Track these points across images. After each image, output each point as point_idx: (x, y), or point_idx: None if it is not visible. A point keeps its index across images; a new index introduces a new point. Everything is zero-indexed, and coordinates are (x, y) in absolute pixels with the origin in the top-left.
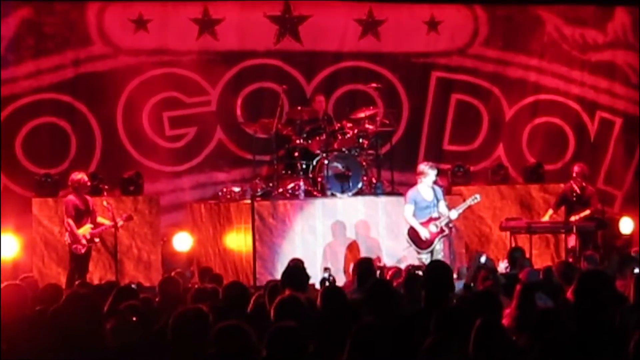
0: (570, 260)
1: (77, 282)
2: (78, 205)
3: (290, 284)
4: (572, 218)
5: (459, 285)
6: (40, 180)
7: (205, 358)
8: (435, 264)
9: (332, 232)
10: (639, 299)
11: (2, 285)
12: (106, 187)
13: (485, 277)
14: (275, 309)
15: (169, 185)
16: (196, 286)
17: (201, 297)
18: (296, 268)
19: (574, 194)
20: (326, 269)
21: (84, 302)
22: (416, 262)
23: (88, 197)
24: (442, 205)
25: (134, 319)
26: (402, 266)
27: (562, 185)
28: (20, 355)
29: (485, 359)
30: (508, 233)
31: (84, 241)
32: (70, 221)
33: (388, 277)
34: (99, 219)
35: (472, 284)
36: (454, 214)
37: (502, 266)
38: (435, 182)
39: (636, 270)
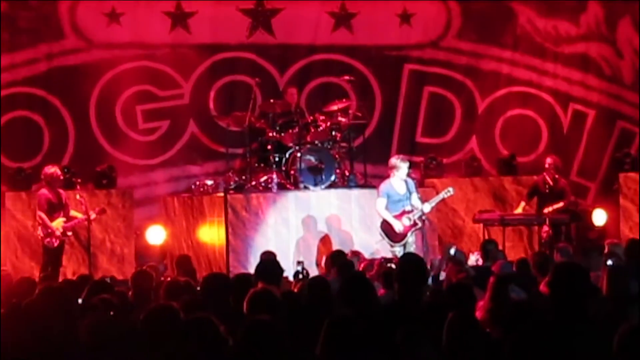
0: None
1: (41, 275)
2: (51, 199)
3: (264, 278)
4: (546, 210)
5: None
6: (13, 174)
7: (175, 352)
8: (408, 257)
9: (305, 225)
10: (614, 291)
11: None
12: (79, 180)
13: (459, 270)
14: (249, 302)
15: (142, 178)
16: (169, 279)
17: (175, 290)
18: (269, 261)
19: (547, 186)
20: (299, 262)
21: (57, 296)
22: (389, 255)
23: (61, 191)
24: (415, 198)
25: (110, 313)
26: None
27: (535, 177)
28: None
29: (459, 351)
30: (481, 225)
31: (57, 233)
32: (43, 215)
33: (360, 269)
34: (72, 213)
35: (438, 276)
36: (427, 207)
37: (473, 259)
38: (408, 175)
39: (609, 263)
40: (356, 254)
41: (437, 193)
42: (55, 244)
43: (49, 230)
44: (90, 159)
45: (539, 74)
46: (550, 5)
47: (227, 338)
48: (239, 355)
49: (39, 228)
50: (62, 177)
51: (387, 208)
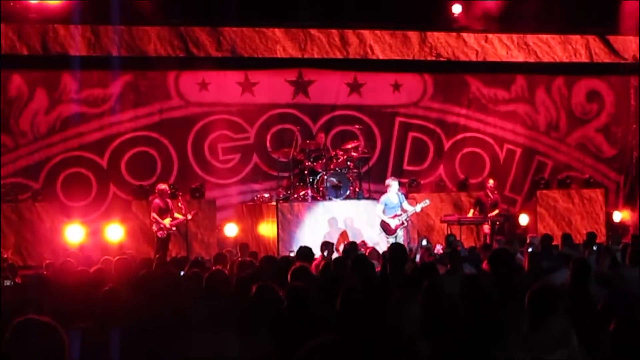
0: (487, 242)
1: (155, 257)
2: (161, 205)
3: (302, 259)
4: (489, 215)
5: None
6: (136, 189)
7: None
8: (395, 245)
9: (329, 224)
10: (532, 268)
11: (115, 259)
12: (180, 193)
13: (429, 254)
14: (291, 274)
15: (221, 192)
16: (239, 259)
17: (243, 266)
18: (305, 248)
19: (488, 199)
20: (326, 248)
21: (166, 269)
22: (386, 244)
23: (168, 200)
24: (406, 205)
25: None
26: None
27: (479, 193)
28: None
29: (430, 306)
30: (445, 225)
31: (165, 229)
32: (156, 216)
33: (367, 254)
34: (176, 215)
35: (415, 258)
36: (418, 208)
37: (439, 247)
38: (398, 190)
39: (529, 249)
40: (363, 243)
41: (417, 203)
42: (164, 236)
43: (160, 226)
44: (188, 179)
45: (484, 124)
46: (491, 78)
47: (283, 300)
48: (288, 310)
49: (153, 225)
50: (169, 191)
51: (384, 212)
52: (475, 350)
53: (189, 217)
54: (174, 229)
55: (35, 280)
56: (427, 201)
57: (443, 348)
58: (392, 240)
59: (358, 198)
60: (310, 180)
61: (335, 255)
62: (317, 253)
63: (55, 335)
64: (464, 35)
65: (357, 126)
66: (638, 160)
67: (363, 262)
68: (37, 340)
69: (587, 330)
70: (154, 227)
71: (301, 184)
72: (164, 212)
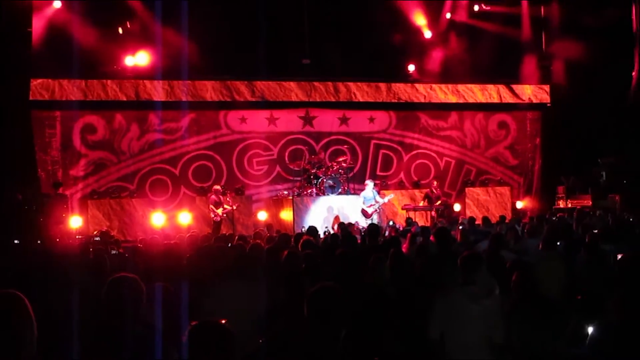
0: (434, 223)
1: (211, 234)
2: (215, 199)
3: (309, 234)
4: (435, 204)
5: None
6: (198, 189)
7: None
8: (372, 225)
9: (327, 211)
10: (463, 240)
11: (188, 235)
12: (228, 191)
13: (394, 231)
14: (301, 245)
15: (255, 191)
16: (268, 234)
17: (270, 240)
18: (312, 227)
19: (433, 193)
20: (325, 227)
21: (221, 242)
22: (365, 225)
23: (221, 196)
24: (378, 198)
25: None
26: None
27: (427, 189)
28: (193, 267)
29: (397, 268)
30: (405, 211)
31: (219, 215)
32: (213, 206)
33: (352, 230)
34: (225, 206)
35: (384, 234)
36: (386, 200)
37: (398, 226)
38: (374, 188)
39: (460, 227)
40: (351, 224)
41: (386, 196)
42: (218, 220)
43: (214, 214)
44: (234, 182)
45: (430, 144)
46: (435, 114)
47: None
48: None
49: (210, 213)
50: (221, 190)
51: (363, 203)
52: (424, 296)
53: (234, 207)
54: (224, 216)
55: (132, 250)
56: (392, 195)
57: (404, 293)
58: (369, 222)
59: (347, 194)
60: (315, 182)
61: (331, 231)
62: (320, 230)
63: (139, 286)
64: (417, 85)
65: (345, 146)
66: (532, 167)
67: (350, 237)
68: (126, 290)
69: (500, 282)
70: (211, 215)
71: (308, 185)
72: (217, 204)
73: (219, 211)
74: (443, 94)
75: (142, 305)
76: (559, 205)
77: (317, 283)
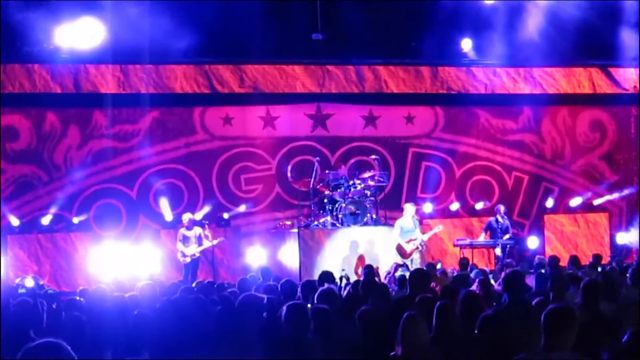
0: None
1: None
2: (185, 234)
3: (325, 281)
4: (501, 239)
5: None
6: (165, 218)
7: None
8: (417, 270)
9: (350, 248)
10: (538, 287)
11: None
12: (206, 222)
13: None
14: (318, 297)
15: (246, 220)
16: (264, 284)
17: (268, 289)
18: (326, 272)
19: (498, 223)
20: (343, 270)
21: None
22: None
23: (195, 227)
24: (418, 232)
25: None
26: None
27: (490, 218)
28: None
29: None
30: (458, 248)
31: (189, 257)
32: (180, 243)
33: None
34: (203, 242)
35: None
36: (425, 237)
37: (450, 270)
38: (415, 215)
39: (538, 271)
40: (376, 268)
41: (431, 229)
42: (188, 262)
43: (183, 254)
44: (214, 209)
45: (493, 153)
46: (499, 110)
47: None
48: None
49: (178, 253)
50: (194, 220)
51: (399, 236)
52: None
53: (214, 243)
54: (197, 255)
55: (69, 305)
56: (440, 226)
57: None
58: (408, 263)
59: (375, 225)
60: (330, 208)
61: (354, 277)
62: (337, 275)
63: None
64: (474, 69)
65: (372, 156)
66: (639, 185)
67: (378, 287)
68: None
69: (597, 346)
70: (179, 255)
71: (321, 212)
72: (188, 240)
73: (190, 250)
74: (511, 81)
75: None
76: None
77: (329, 353)
